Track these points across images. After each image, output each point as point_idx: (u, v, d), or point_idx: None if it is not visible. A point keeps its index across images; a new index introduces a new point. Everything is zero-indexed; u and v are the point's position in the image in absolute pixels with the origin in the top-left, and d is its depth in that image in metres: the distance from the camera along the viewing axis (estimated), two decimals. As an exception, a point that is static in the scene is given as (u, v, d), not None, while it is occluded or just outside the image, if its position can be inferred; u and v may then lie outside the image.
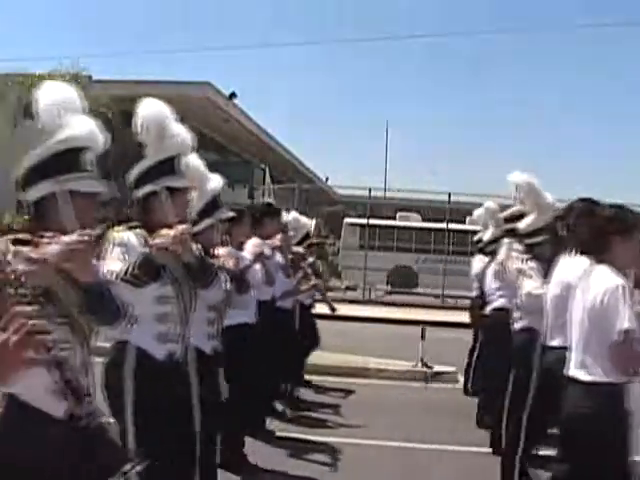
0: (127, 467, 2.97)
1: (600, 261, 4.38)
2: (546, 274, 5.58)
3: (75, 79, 28.89)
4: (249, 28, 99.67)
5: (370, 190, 32.09)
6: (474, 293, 9.88)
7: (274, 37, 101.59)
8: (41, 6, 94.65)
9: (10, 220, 30.44)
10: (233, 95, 39.57)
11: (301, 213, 11.18)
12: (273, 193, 35.23)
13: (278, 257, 7.33)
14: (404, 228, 33.66)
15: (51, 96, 3.38)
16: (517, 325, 6.27)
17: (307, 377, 10.58)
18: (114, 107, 29.71)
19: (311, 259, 9.57)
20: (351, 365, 11.89)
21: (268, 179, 36.39)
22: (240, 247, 6.44)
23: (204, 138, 44.25)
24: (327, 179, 60.08)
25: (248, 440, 6.69)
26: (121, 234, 4.03)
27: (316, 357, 12.20)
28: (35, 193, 3.17)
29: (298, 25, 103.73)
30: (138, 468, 3.05)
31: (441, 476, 6.69)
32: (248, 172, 35.81)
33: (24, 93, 28.77)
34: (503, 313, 7.06)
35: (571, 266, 4.92)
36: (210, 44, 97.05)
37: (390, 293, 32.58)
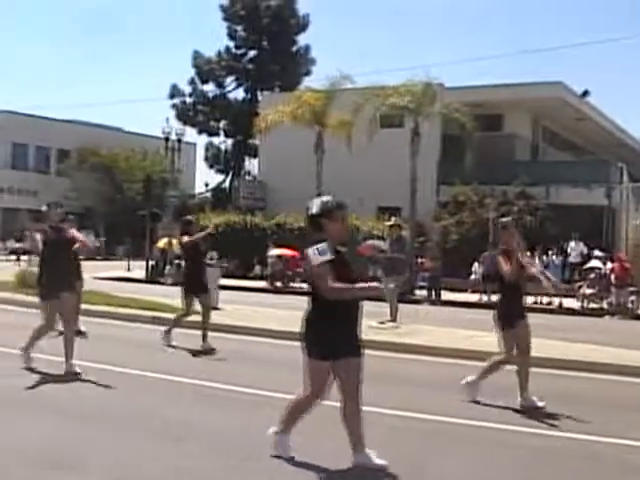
0: None
1: None
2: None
3: (427, 88, 29.77)
4: (603, 23, 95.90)
5: None
6: None
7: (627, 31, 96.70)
8: (402, 22, 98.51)
9: (370, 227, 32.02)
10: (586, 93, 38.49)
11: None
12: (631, 192, 33.62)
13: None
14: None
15: None
16: None
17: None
18: (468, 113, 30.16)
19: None
20: None
21: (626, 178, 34.75)
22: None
23: (558, 138, 43.42)
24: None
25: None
26: None
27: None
28: None
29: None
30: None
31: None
32: (604, 171, 34.45)
33: (379, 104, 30.22)
34: None
35: None
36: (562, 42, 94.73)
37: None
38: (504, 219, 9.35)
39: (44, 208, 10.43)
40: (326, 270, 5.84)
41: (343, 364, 5.96)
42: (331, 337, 5.91)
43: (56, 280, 10.00)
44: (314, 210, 6.09)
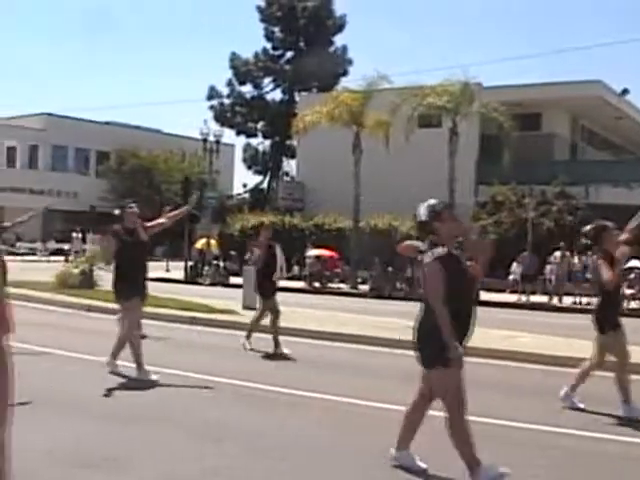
0: None
1: None
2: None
3: (465, 88, 29.67)
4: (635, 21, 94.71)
5: None
6: None
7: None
8: (442, 21, 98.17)
9: (408, 227, 31.98)
10: (625, 92, 38.15)
11: None
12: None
13: None
14: None
15: None
16: None
17: None
18: (506, 112, 30.02)
19: None
20: None
21: (667, 177, 34.41)
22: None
23: (597, 137, 43.03)
24: None
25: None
26: None
27: None
28: None
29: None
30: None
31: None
32: (645, 170, 34.11)
33: (417, 104, 30.19)
34: None
35: None
36: (599, 40, 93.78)
37: None
38: (609, 222, 8.73)
39: (118, 211, 10.16)
40: (436, 271, 5.58)
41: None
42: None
43: (130, 282, 9.83)
44: (424, 217, 5.80)
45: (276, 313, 12.83)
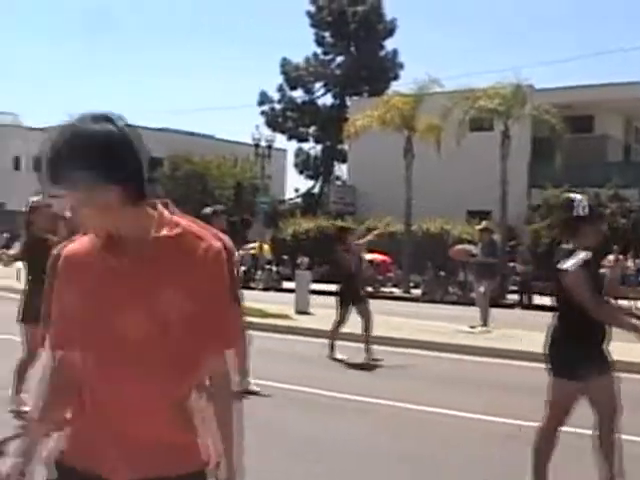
0: None
1: None
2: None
3: (517, 90, 29.51)
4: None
5: None
6: None
7: None
8: (494, 21, 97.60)
9: (460, 231, 31.91)
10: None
11: None
12: None
13: None
14: None
15: None
16: None
17: None
18: (557, 114, 29.80)
19: None
20: None
21: None
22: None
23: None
24: None
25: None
26: None
27: None
28: None
29: None
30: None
31: None
32: None
33: (468, 107, 30.10)
34: None
35: None
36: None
37: None
38: None
39: (209, 210, 9.26)
40: (582, 277, 5.10)
41: (594, 384, 5.22)
42: (581, 355, 5.18)
43: None
44: (582, 211, 5.25)
45: (341, 320, 12.71)
